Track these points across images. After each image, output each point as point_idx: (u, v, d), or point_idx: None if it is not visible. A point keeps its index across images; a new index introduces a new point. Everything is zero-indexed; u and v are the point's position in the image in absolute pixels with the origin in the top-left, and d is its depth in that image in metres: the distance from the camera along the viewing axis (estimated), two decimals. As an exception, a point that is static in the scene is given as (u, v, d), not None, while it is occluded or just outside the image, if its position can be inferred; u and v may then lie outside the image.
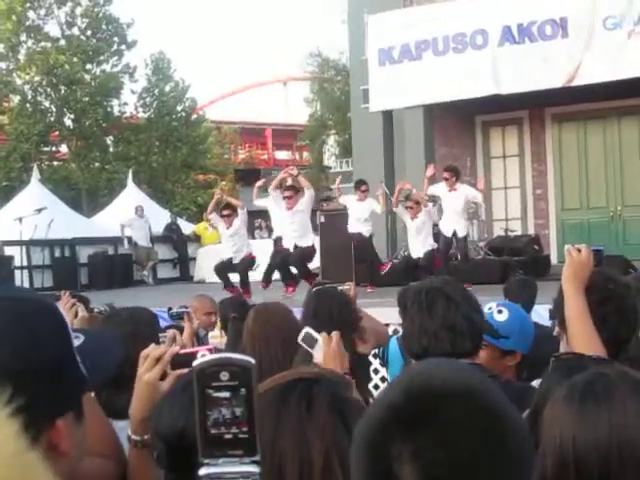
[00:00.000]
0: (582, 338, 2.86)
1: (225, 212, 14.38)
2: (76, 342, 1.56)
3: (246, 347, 3.88)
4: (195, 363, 1.25)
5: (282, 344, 3.76)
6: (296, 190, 14.03)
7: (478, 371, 1.20)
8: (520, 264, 14.33)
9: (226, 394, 1.23)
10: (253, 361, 1.25)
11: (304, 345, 3.02)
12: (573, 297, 2.93)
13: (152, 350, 2.53)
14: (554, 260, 16.89)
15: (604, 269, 3.23)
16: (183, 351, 2.59)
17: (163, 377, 2.48)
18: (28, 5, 38.70)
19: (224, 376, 1.23)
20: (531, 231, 18.26)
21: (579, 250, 3.04)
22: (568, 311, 2.92)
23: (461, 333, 2.98)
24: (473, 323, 3.02)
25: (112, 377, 1.83)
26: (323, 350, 2.90)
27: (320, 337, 2.94)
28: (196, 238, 24.61)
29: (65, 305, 4.23)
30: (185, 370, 2.46)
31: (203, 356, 2.49)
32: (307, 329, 3.04)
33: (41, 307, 1.53)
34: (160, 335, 3.43)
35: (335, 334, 2.93)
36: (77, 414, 1.53)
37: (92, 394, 2.60)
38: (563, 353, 2.62)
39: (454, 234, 13.81)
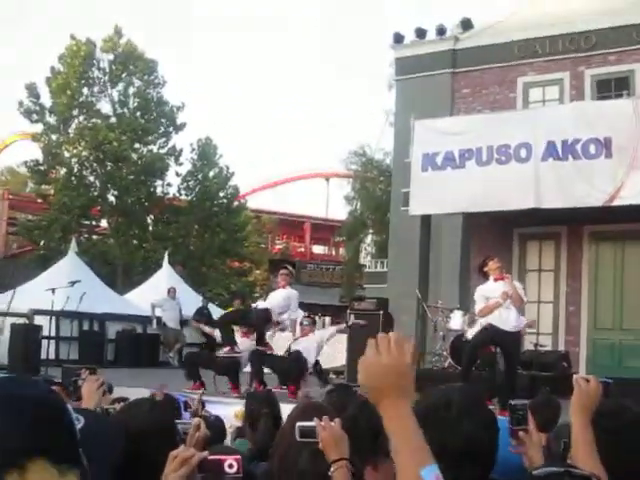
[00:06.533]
0: (587, 469, 2.81)
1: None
2: (78, 425, 1.60)
3: (282, 439, 3.80)
4: None
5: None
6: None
7: None
8: (548, 380, 14.13)
9: None
10: None
11: (305, 439, 3.01)
12: (580, 428, 2.89)
13: (181, 451, 2.57)
14: (583, 379, 16.60)
15: (621, 399, 3.19)
16: (211, 457, 2.60)
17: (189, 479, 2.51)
18: (83, 82, 39.71)
19: None
20: (562, 347, 18.03)
21: (587, 380, 3.02)
22: (575, 441, 2.86)
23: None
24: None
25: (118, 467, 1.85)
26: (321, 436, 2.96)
27: (316, 423, 2.98)
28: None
29: (92, 385, 4.21)
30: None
31: (230, 466, 2.52)
32: (299, 424, 3.04)
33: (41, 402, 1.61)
34: (185, 421, 3.42)
35: (337, 421, 3.00)
36: None
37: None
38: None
39: None
